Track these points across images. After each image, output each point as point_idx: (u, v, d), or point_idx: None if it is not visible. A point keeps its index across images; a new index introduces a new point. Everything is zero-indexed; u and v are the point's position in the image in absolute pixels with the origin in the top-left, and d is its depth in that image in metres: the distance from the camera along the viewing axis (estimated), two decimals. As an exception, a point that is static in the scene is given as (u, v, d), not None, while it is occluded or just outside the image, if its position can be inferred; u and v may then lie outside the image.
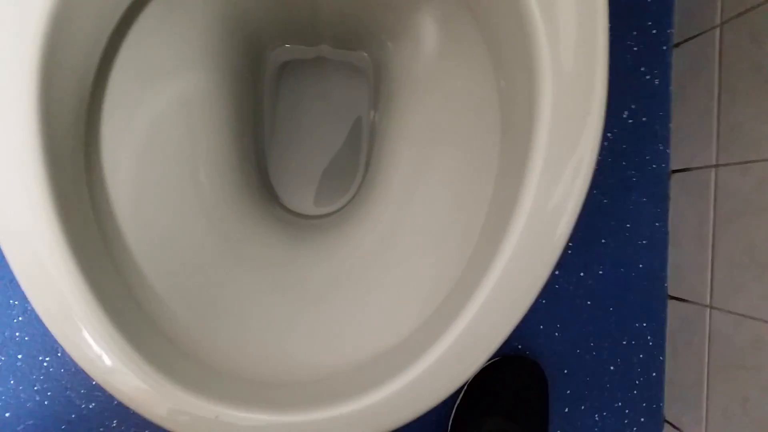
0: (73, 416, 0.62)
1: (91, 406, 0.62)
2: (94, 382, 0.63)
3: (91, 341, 0.31)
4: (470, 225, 0.42)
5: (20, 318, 0.62)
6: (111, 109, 0.38)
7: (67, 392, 0.62)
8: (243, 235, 0.45)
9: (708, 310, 0.58)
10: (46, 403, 0.62)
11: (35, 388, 0.62)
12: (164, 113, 0.41)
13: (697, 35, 0.61)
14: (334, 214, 0.58)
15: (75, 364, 0.63)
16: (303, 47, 0.59)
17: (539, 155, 0.34)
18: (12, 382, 0.62)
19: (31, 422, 0.61)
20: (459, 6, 0.45)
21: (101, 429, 0.62)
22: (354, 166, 0.61)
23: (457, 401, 0.62)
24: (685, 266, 0.62)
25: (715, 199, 0.58)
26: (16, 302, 0.62)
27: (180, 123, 0.42)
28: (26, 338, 0.62)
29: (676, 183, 0.64)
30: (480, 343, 0.35)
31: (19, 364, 0.62)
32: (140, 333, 0.32)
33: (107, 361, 0.30)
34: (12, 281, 0.61)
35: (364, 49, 0.59)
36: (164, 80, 0.43)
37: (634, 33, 0.65)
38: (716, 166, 0.58)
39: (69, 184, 0.33)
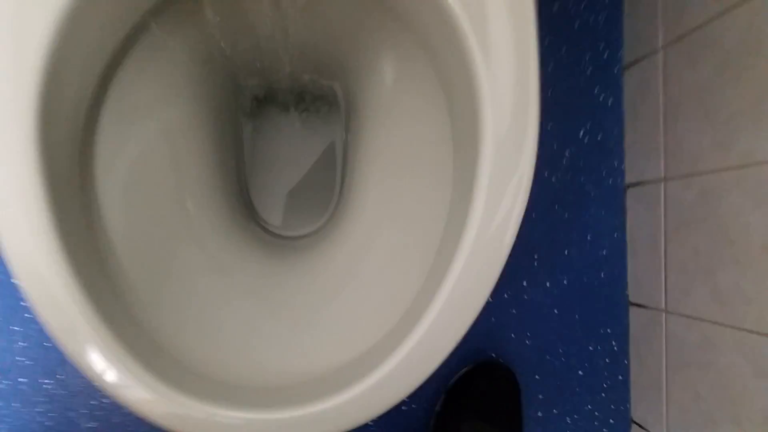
0: (73, 435, 0.66)
1: (91, 425, 0.66)
2: (93, 403, 0.67)
3: (98, 357, 0.35)
4: (430, 240, 0.46)
5: (21, 343, 0.66)
6: (103, 145, 0.43)
7: (69, 413, 0.66)
8: (229, 256, 0.49)
9: (664, 314, 0.62)
10: (48, 424, 0.66)
11: (38, 410, 0.66)
12: (151, 146, 0.45)
13: (644, 58, 0.66)
14: (311, 235, 0.62)
15: (75, 386, 0.67)
16: (278, 79, 0.64)
17: (484, 178, 0.39)
18: (15, 405, 0.66)
19: (33, 442, 0.65)
20: (415, 47, 0.50)
21: (100, 446, 0.66)
22: (329, 189, 0.65)
23: (437, 408, 0.66)
24: (643, 274, 0.66)
25: (665, 211, 0.62)
26: (18, 329, 0.66)
27: (165, 154, 0.46)
28: (28, 363, 0.66)
29: (631, 196, 0.68)
30: (438, 345, 0.39)
31: (22, 387, 0.66)
32: (140, 348, 0.36)
33: (112, 373, 0.34)
34: (13, 308, 0.66)
35: (335, 80, 0.64)
36: (150, 116, 0.48)
37: (588, 56, 0.70)
38: (664, 179, 0.62)
39: (69, 214, 0.37)
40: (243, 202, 0.60)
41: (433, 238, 0.46)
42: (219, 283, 0.46)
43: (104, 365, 0.35)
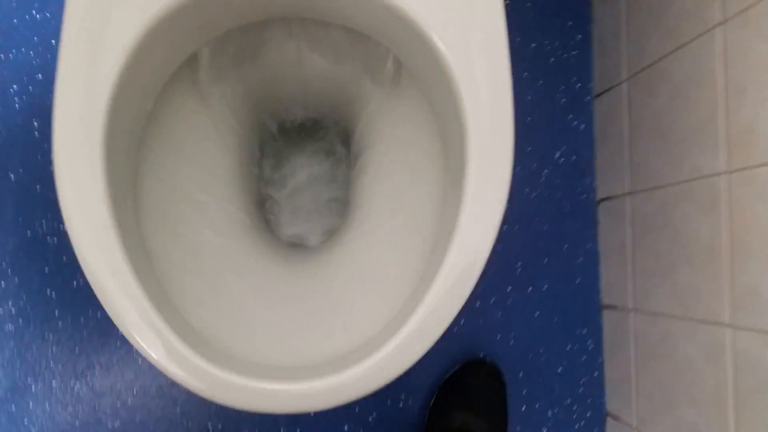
0: None
1: (116, 424, 0.72)
2: (118, 403, 0.73)
3: (156, 343, 0.42)
4: (423, 248, 0.54)
5: (54, 348, 0.72)
6: (149, 165, 0.51)
7: (96, 413, 0.72)
8: (253, 262, 0.57)
9: (631, 313, 0.69)
10: (77, 423, 0.72)
11: (68, 410, 0.72)
12: (186, 166, 0.53)
13: (611, 88, 0.75)
14: (323, 244, 0.70)
15: (101, 388, 0.73)
16: (295, 116, 0.73)
17: (467, 207, 0.47)
18: (47, 406, 0.72)
19: (67, 436, 0.71)
20: (414, 88, 0.58)
21: (126, 441, 0.72)
22: (337, 206, 0.73)
23: (432, 401, 0.72)
24: (613, 278, 0.74)
25: (632, 221, 0.70)
26: (52, 336, 0.72)
27: (198, 173, 0.54)
28: (60, 366, 0.72)
29: (602, 210, 0.77)
30: (427, 334, 0.46)
31: (53, 389, 0.72)
32: (188, 336, 0.44)
33: (168, 356, 0.41)
34: (47, 316, 0.72)
35: (343, 115, 0.72)
36: (186, 147, 0.56)
37: (562, 88, 0.79)
38: (630, 193, 0.70)
39: (125, 221, 0.44)
40: (264, 218, 0.68)
41: (425, 246, 0.54)
42: (246, 284, 0.54)
43: (161, 349, 0.42)
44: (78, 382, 0.73)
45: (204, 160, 0.56)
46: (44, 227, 0.74)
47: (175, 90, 0.53)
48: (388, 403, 0.74)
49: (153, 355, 0.42)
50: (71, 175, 0.42)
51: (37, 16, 0.77)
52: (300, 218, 0.71)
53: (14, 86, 0.76)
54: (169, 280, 0.48)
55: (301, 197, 0.72)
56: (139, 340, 0.42)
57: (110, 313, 0.42)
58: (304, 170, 0.72)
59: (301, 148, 0.73)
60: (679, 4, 0.60)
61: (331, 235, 0.70)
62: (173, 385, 0.73)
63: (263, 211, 0.69)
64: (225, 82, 0.60)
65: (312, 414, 0.73)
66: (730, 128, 0.53)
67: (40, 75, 0.77)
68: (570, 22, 0.78)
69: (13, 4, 0.77)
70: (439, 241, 0.51)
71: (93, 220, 0.41)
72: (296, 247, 0.70)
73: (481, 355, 0.75)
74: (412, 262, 0.54)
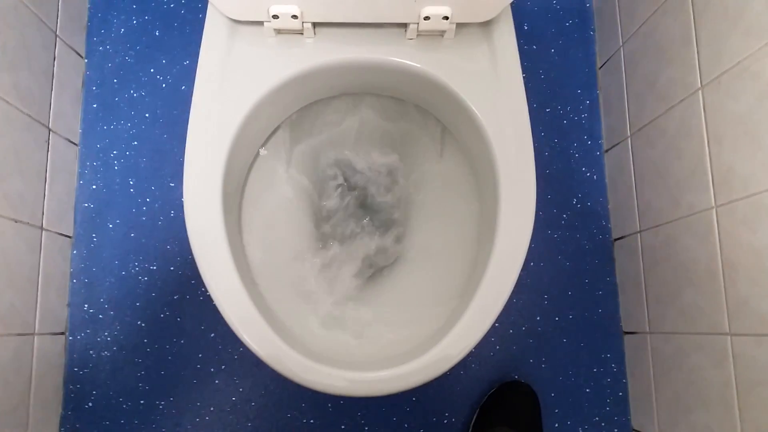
0: None
1: None
2: (197, 419, 0.83)
3: (262, 342, 0.54)
4: (464, 271, 0.66)
5: (142, 373, 0.84)
6: (249, 197, 0.65)
7: (177, 428, 0.82)
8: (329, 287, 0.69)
9: (648, 335, 0.79)
10: None
11: (153, 426, 0.82)
12: (275, 205, 0.67)
13: (618, 144, 0.88)
14: (383, 271, 0.81)
15: (183, 406, 0.83)
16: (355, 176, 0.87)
17: (500, 241, 0.59)
18: (136, 421, 0.83)
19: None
20: (461, 157, 0.72)
21: None
22: (391, 239, 0.85)
23: (474, 418, 0.81)
24: (631, 307, 0.83)
25: (642, 256, 0.81)
26: (140, 360, 0.84)
27: (284, 216, 0.68)
28: (147, 387, 0.83)
29: (617, 247, 0.88)
30: (465, 340, 0.57)
31: (141, 408, 0.83)
32: (286, 337, 0.56)
33: (274, 352, 0.53)
34: (137, 345, 0.84)
35: (396, 167, 0.86)
36: (273, 185, 0.70)
37: (575, 144, 0.92)
38: (639, 232, 0.82)
39: (234, 234, 0.58)
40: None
41: (466, 269, 0.66)
42: (327, 299, 0.66)
43: (267, 347, 0.54)
44: (162, 400, 0.83)
45: (282, 201, 0.70)
46: (136, 268, 0.88)
47: (267, 150, 0.68)
48: (434, 419, 0.83)
49: (256, 348, 0.54)
50: (196, 201, 0.56)
51: (134, 94, 0.93)
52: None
53: (114, 151, 0.91)
54: (265, 290, 0.61)
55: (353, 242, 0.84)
56: (247, 340, 0.54)
57: (220, 308, 0.54)
58: (366, 209, 0.85)
59: (361, 187, 0.85)
60: (667, 74, 0.74)
61: (388, 264, 0.82)
62: (245, 401, 0.83)
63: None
64: (299, 143, 0.74)
65: (366, 428, 0.82)
66: (714, 171, 0.65)
67: (135, 142, 0.92)
68: (579, 90, 0.93)
69: (116, 84, 0.94)
70: (478, 267, 0.63)
71: (211, 237, 0.54)
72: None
73: (516, 377, 0.84)
74: (456, 281, 0.66)
